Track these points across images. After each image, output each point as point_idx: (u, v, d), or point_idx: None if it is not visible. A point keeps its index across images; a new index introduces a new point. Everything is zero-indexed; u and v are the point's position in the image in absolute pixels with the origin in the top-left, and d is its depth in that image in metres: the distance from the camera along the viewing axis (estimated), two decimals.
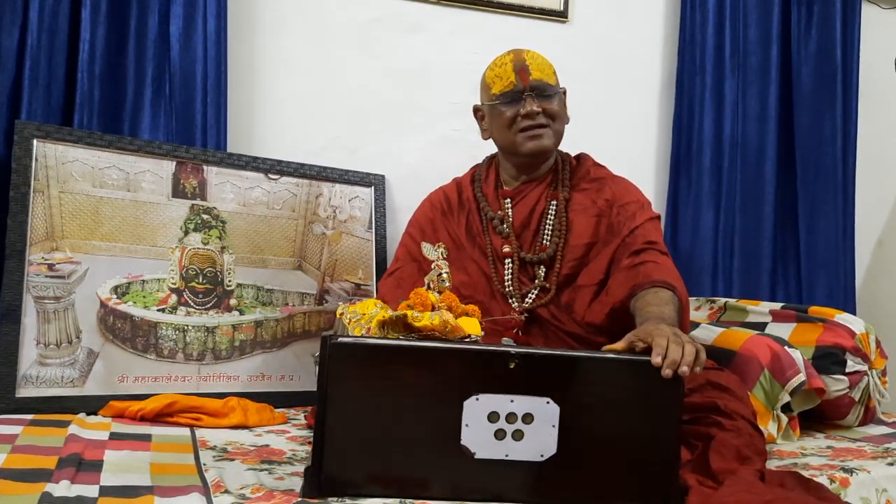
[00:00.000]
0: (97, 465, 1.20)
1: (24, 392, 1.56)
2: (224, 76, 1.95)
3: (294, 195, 1.94)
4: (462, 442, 1.11)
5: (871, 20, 2.55)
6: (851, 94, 2.47)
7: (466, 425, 1.11)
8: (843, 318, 1.80)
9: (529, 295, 1.62)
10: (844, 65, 2.46)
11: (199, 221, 1.81)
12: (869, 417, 1.79)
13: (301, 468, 1.24)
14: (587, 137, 1.91)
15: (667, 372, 1.11)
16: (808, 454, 1.52)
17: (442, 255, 1.30)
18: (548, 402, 1.12)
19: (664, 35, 2.44)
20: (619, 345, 1.20)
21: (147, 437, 1.41)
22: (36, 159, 1.65)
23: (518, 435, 1.12)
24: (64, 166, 1.68)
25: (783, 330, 1.83)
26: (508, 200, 1.70)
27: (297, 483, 1.14)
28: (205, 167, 1.84)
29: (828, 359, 1.71)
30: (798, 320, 1.86)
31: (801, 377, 1.61)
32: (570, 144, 1.77)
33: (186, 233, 1.79)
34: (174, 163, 1.80)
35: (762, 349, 1.64)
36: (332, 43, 2.13)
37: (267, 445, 1.43)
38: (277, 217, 1.91)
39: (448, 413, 1.11)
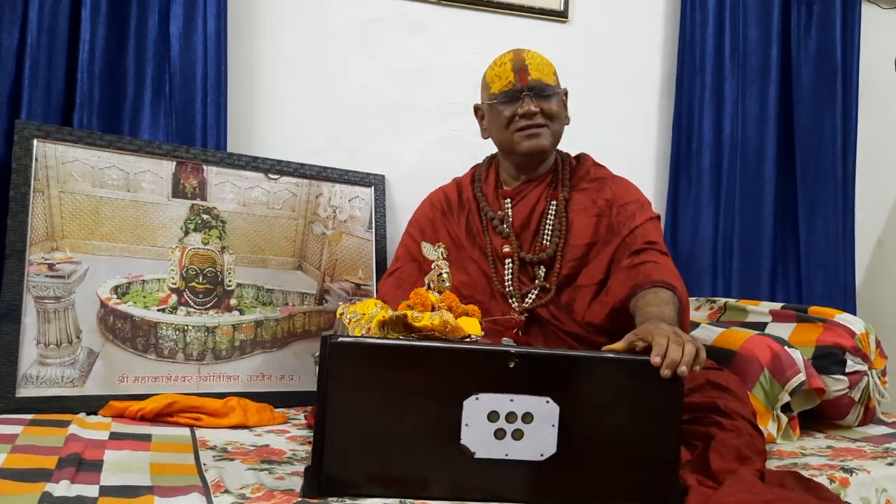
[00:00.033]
0: (97, 465, 1.20)
1: (24, 392, 1.56)
2: (224, 76, 1.95)
3: (294, 195, 1.94)
4: (462, 441, 1.11)
5: (871, 20, 2.55)
6: (851, 94, 2.47)
7: (466, 425, 1.11)
8: (843, 318, 1.80)
9: (529, 295, 1.62)
10: (844, 65, 2.46)
11: (200, 221, 1.81)
12: (869, 417, 1.79)
13: (301, 468, 1.24)
14: (587, 137, 1.91)
15: (665, 372, 1.12)
16: (808, 454, 1.52)
17: (442, 255, 1.30)
18: (547, 402, 1.12)
19: (664, 35, 2.44)
20: (619, 345, 1.20)
21: (147, 437, 1.41)
22: (36, 159, 1.65)
23: (518, 434, 1.12)
24: (64, 166, 1.68)
25: (783, 330, 1.83)
26: (508, 200, 1.70)
27: (298, 483, 1.14)
28: (205, 167, 1.84)
29: (828, 359, 1.71)
30: (798, 320, 1.86)
31: (801, 377, 1.61)
32: (570, 144, 1.77)
33: (186, 233, 1.79)
34: (174, 163, 1.80)
35: (762, 349, 1.64)
36: (332, 43, 2.13)
37: (267, 445, 1.43)
38: (277, 217, 1.91)
39: (448, 413, 1.11)
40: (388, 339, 1.16)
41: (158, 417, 1.53)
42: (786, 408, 1.63)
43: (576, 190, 1.69)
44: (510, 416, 1.12)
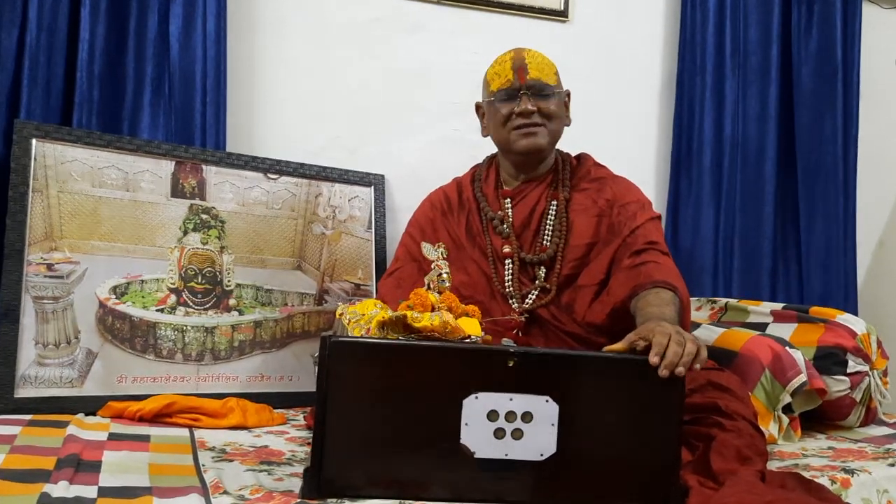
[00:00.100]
0: (96, 466, 1.19)
1: (22, 392, 1.55)
2: (223, 76, 1.95)
3: (293, 195, 1.94)
4: (462, 441, 1.11)
5: (872, 20, 2.55)
6: (852, 94, 2.47)
7: (466, 424, 1.10)
8: (844, 318, 1.80)
9: (530, 295, 1.62)
10: (845, 64, 2.46)
11: (199, 221, 1.80)
12: (870, 418, 1.79)
13: (300, 469, 1.23)
14: (587, 137, 1.90)
15: (663, 372, 1.11)
16: (809, 455, 1.51)
17: (442, 255, 1.30)
18: (547, 401, 1.12)
19: (664, 35, 2.44)
20: (620, 345, 1.20)
21: (146, 438, 1.41)
22: (35, 159, 1.65)
23: (517, 434, 1.12)
24: (63, 166, 1.68)
25: (784, 330, 1.82)
26: (508, 200, 1.69)
27: (297, 484, 1.14)
28: (204, 167, 1.83)
29: (829, 359, 1.70)
30: (799, 321, 1.85)
31: (803, 378, 1.60)
32: (570, 144, 1.77)
33: (185, 233, 1.78)
34: (173, 162, 1.80)
35: (763, 350, 1.64)
36: (332, 43, 2.13)
37: (266, 446, 1.42)
38: (277, 217, 1.91)
39: (447, 412, 1.10)
40: (387, 339, 1.16)
41: (157, 418, 1.53)
42: (787, 408, 1.62)
43: (576, 190, 1.68)
44: (510, 416, 1.11)
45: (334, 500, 1.08)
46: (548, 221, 1.65)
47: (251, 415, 1.59)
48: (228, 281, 1.82)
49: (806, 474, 1.27)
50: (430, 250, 1.31)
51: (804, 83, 2.43)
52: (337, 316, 1.42)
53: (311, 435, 1.10)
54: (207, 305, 1.78)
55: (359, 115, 2.15)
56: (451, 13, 2.22)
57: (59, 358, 1.60)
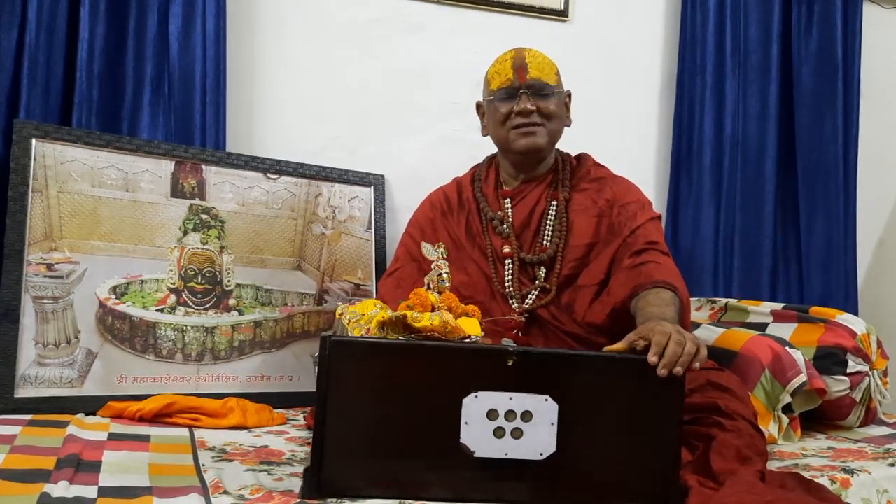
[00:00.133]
0: (96, 466, 1.20)
1: (22, 392, 1.55)
2: (223, 76, 1.95)
3: (293, 195, 1.94)
4: (461, 440, 1.11)
5: (872, 20, 2.54)
6: (852, 94, 2.47)
7: (466, 423, 1.11)
8: (844, 318, 1.80)
9: (529, 296, 1.62)
10: (845, 64, 2.46)
11: (198, 221, 1.80)
12: (870, 418, 1.79)
13: (300, 469, 1.23)
14: (587, 137, 1.90)
15: (662, 371, 1.11)
16: (809, 455, 1.51)
17: (442, 255, 1.30)
18: (546, 400, 1.12)
19: (664, 34, 2.44)
20: (620, 345, 1.19)
21: (146, 438, 1.41)
22: (34, 159, 1.65)
23: (517, 433, 1.12)
24: (62, 166, 1.68)
25: (784, 330, 1.82)
26: (508, 200, 1.69)
27: (297, 484, 1.14)
28: (204, 167, 1.83)
29: (829, 359, 1.70)
30: (799, 321, 1.85)
31: (802, 378, 1.60)
32: (571, 144, 1.76)
33: (185, 233, 1.78)
34: (173, 162, 1.80)
35: (763, 350, 1.64)
36: (332, 43, 2.13)
37: (266, 446, 1.42)
38: (277, 217, 1.91)
39: (447, 412, 1.10)
40: (387, 339, 1.16)
41: (157, 418, 1.53)
42: (787, 408, 1.62)
43: (576, 190, 1.68)
44: (509, 415, 1.11)
45: (334, 500, 1.08)
46: (548, 221, 1.65)
47: (251, 415, 1.59)
48: (228, 281, 1.82)
49: (806, 474, 1.27)
50: (430, 250, 1.31)
51: (804, 82, 2.43)
52: (337, 316, 1.42)
53: (311, 435, 1.10)
54: (207, 305, 1.78)
55: (359, 115, 2.15)
56: (451, 13, 2.22)
57: (59, 358, 1.60)
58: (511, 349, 1.13)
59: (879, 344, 1.80)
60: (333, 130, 2.13)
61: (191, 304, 1.76)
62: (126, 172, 1.74)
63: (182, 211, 1.79)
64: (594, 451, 1.14)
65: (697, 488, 1.15)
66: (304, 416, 1.68)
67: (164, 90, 1.90)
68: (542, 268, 1.62)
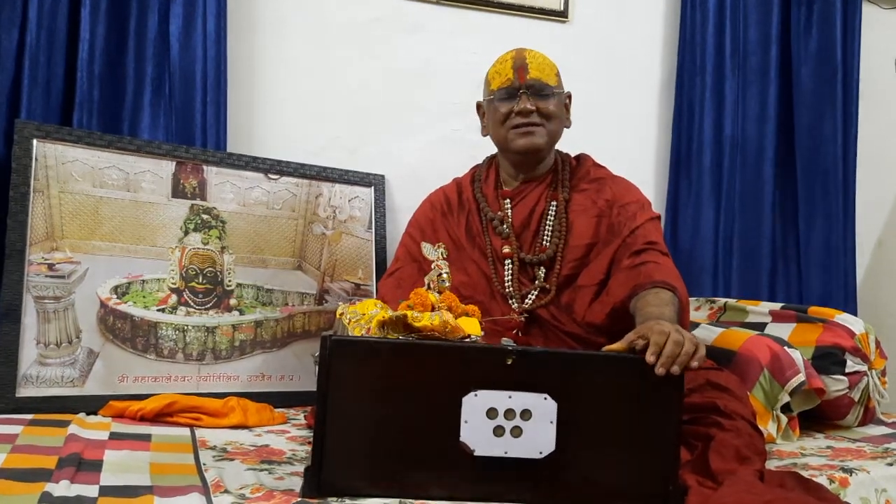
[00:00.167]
0: (97, 465, 1.20)
1: (24, 392, 1.56)
2: (224, 76, 1.95)
3: (294, 195, 1.94)
4: (461, 439, 1.11)
5: (872, 20, 2.55)
6: (851, 94, 2.47)
7: (465, 422, 1.11)
8: (842, 318, 1.80)
9: (529, 296, 1.62)
10: (845, 65, 2.46)
11: (199, 221, 1.81)
12: (868, 418, 1.79)
13: (301, 468, 1.24)
14: (587, 137, 1.91)
15: (660, 370, 1.12)
16: (808, 454, 1.52)
17: (442, 255, 1.30)
18: (545, 399, 1.12)
19: (664, 35, 2.44)
20: (620, 344, 1.20)
21: (147, 437, 1.41)
22: (35, 159, 1.65)
23: (516, 432, 1.12)
24: (64, 166, 1.68)
25: (783, 330, 1.83)
26: (508, 201, 1.70)
27: (297, 483, 1.14)
28: (204, 167, 1.84)
29: (827, 359, 1.71)
30: (798, 320, 1.86)
31: (801, 377, 1.61)
32: (571, 144, 1.77)
33: (186, 233, 1.79)
34: (174, 163, 1.80)
35: (762, 349, 1.64)
36: (332, 43, 2.13)
37: (267, 445, 1.43)
38: (277, 217, 1.91)
39: (447, 410, 1.11)
40: (387, 338, 1.16)
41: (158, 417, 1.53)
42: (785, 408, 1.63)
43: (576, 190, 1.69)
44: (509, 413, 1.12)
45: (335, 499, 1.08)
46: (547, 222, 1.65)
47: (252, 414, 1.59)
48: (229, 281, 1.82)
49: (804, 474, 1.27)
50: (430, 250, 1.31)
51: (804, 83, 2.43)
52: (337, 316, 1.42)
53: (312, 434, 1.11)
54: (208, 305, 1.78)
55: (359, 115, 2.15)
56: (450, 13, 2.23)
57: (60, 357, 1.61)
58: (510, 348, 1.14)
59: (878, 344, 1.81)
60: (333, 130, 2.13)
61: (192, 303, 1.77)
62: (127, 173, 1.75)
63: (183, 211, 1.79)
64: (593, 450, 1.14)
65: (696, 488, 1.15)
66: (305, 416, 1.68)
67: (165, 90, 1.90)
68: (542, 268, 1.63)
